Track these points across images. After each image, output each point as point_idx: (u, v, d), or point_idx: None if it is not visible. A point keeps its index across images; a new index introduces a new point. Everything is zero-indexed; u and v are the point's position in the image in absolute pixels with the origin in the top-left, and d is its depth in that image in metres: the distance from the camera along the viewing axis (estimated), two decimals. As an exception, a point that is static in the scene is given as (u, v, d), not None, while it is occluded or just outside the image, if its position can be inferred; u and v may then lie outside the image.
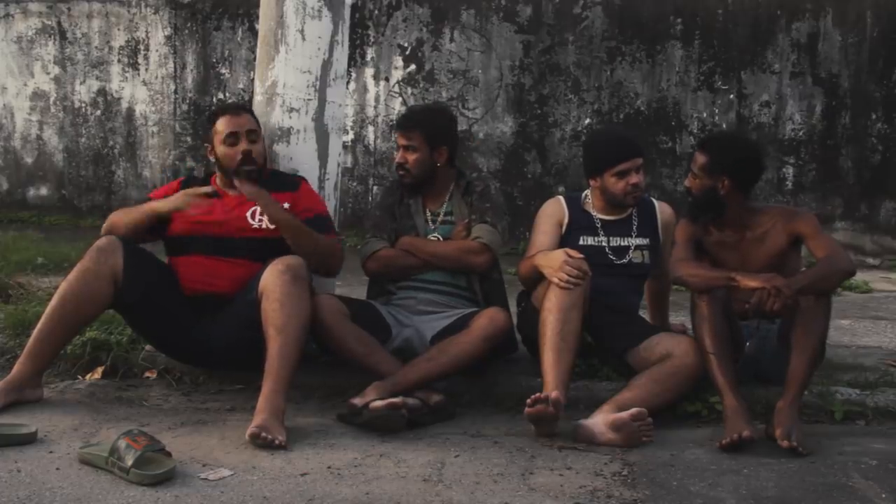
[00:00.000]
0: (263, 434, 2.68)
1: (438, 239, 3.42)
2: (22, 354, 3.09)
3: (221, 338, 3.10)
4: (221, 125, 3.27)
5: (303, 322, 2.95)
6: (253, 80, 3.96)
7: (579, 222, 3.37)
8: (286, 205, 3.25)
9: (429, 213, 3.48)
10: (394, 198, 3.53)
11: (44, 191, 8.39)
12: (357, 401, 2.95)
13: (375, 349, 3.14)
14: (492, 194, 3.51)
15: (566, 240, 3.32)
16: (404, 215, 3.49)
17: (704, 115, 7.26)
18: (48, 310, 3.08)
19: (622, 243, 3.37)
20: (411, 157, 3.40)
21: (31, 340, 3.09)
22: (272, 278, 2.94)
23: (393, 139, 7.64)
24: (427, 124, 3.42)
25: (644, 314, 3.54)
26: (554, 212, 3.40)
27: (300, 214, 3.24)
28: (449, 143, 3.46)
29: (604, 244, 3.35)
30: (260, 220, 3.24)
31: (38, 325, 3.08)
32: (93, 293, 3.04)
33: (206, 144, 3.36)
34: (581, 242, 3.31)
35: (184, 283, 3.19)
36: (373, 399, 2.90)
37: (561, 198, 3.49)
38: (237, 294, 3.12)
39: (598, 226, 3.38)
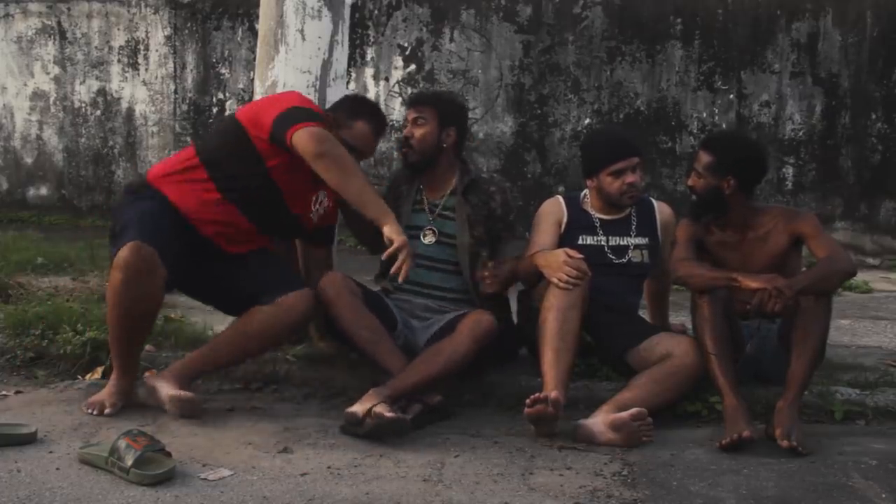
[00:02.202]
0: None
1: (434, 231, 3.33)
2: (113, 371, 3.08)
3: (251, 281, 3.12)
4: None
5: (268, 345, 3.13)
6: (253, 80, 3.97)
7: (578, 222, 3.37)
8: None
9: (427, 203, 3.39)
10: (393, 180, 3.51)
11: (44, 191, 8.40)
12: (357, 409, 2.84)
13: (384, 338, 3.08)
14: (510, 202, 3.42)
15: (565, 239, 3.32)
16: (395, 199, 3.39)
17: (704, 115, 7.26)
18: (114, 331, 3.00)
19: (621, 243, 3.37)
20: (418, 132, 3.29)
21: (112, 359, 3.08)
22: (300, 301, 3.05)
23: (393, 139, 7.65)
24: (440, 102, 3.37)
25: (644, 314, 3.54)
26: (553, 211, 3.40)
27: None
28: (458, 126, 3.38)
29: (603, 244, 3.35)
30: (317, 210, 3.24)
31: (112, 345, 3.05)
32: (147, 297, 2.93)
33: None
34: (580, 242, 3.31)
35: (204, 227, 3.06)
36: (374, 404, 2.82)
37: (560, 197, 3.49)
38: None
39: (597, 225, 3.37)
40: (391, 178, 3.51)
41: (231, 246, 3.13)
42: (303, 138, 2.90)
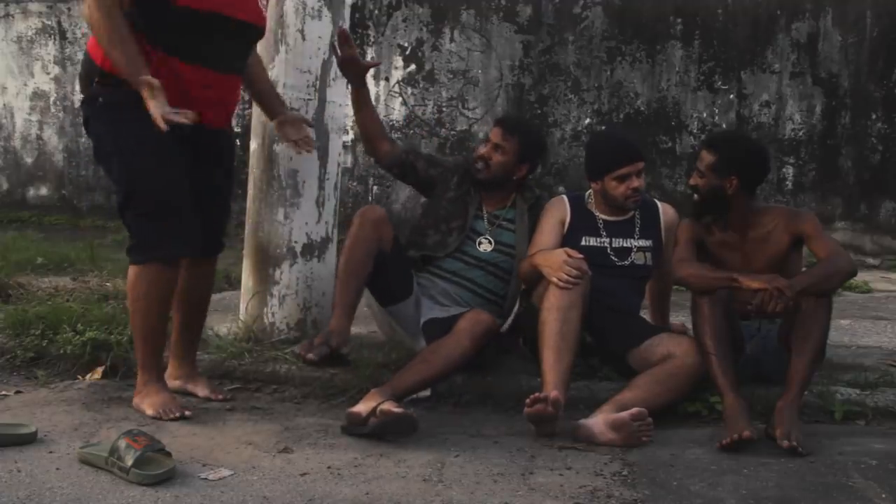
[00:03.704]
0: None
1: (490, 241, 3.44)
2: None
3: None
4: None
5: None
6: (253, 80, 3.96)
7: (582, 222, 3.37)
8: None
9: (486, 212, 3.49)
10: (458, 172, 3.55)
11: (44, 191, 8.40)
12: (360, 408, 2.84)
13: (355, 282, 3.18)
14: None
15: (568, 240, 3.32)
16: (460, 198, 3.49)
17: (704, 115, 7.27)
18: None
19: (624, 244, 3.37)
20: (497, 158, 3.42)
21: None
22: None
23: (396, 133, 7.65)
24: (527, 137, 3.47)
25: (644, 314, 3.54)
26: (557, 211, 3.40)
27: None
28: (532, 164, 3.52)
29: (606, 245, 3.35)
30: None
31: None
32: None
33: None
34: (583, 243, 3.31)
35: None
36: (379, 403, 2.82)
37: (565, 197, 3.49)
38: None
39: (601, 226, 3.37)
40: (456, 163, 3.64)
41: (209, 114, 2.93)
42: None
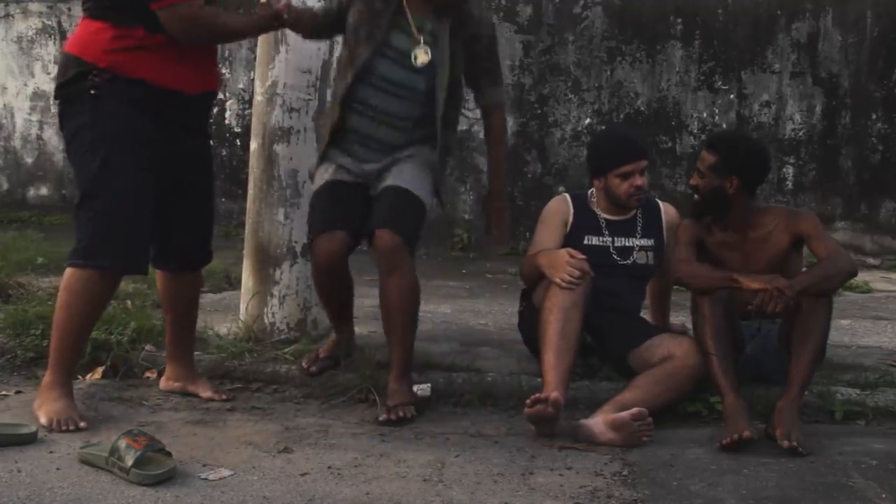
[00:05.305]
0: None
1: (427, 52, 3.04)
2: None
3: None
4: None
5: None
6: (253, 80, 3.96)
7: (584, 222, 3.37)
8: None
9: (412, 19, 3.07)
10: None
11: (44, 191, 8.39)
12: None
13: (335, 311, 3.33)
14: (495, 36, 3.27)
15: (571, 239, 3.31)
16: (379, 25, 3.06)
17: (704, 115, 7.26)
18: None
19: (626, 244, 3.36)
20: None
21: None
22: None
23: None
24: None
25: (645, 313, 3.54)
26: (560, 210, 3.39)
27: None
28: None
29: (608, 244, 3.35)
30: None
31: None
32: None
33: None
34: (586, 242, 3.31)
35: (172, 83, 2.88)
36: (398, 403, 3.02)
37: (567, 196, 3.48)
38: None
39: (603, 225, 3.37)
40: None
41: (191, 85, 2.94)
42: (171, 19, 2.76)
